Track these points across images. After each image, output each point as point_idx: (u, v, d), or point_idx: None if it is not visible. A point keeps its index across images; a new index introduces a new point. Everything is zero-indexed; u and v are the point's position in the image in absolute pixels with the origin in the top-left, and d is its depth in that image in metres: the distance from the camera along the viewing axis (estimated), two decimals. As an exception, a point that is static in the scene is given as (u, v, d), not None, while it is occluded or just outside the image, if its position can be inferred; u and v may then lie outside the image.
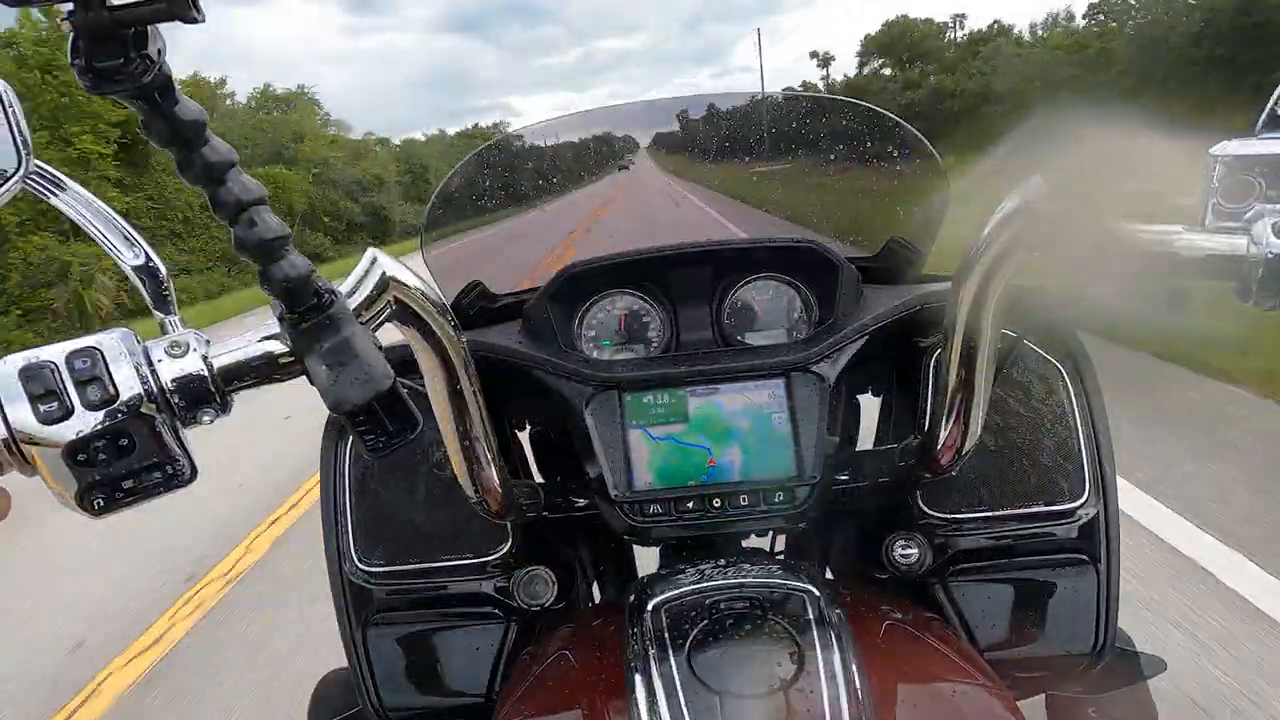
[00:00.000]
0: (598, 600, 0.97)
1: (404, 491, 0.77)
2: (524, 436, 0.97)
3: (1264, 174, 0.43)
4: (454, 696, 0.76)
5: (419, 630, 0.77)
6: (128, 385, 0.41)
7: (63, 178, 0.49)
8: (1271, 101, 0.45)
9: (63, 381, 0.40)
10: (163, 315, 0.49)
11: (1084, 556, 0.74)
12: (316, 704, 0.89)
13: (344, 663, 0.80)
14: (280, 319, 0.43)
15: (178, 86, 0.37)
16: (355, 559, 0.76)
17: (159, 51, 0.35)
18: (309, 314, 0.43)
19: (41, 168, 0.48)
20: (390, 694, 0.76)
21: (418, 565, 0.76)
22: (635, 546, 0.99)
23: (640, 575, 0.73)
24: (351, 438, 0.78)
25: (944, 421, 0.62)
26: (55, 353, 0.40)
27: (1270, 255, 0.41)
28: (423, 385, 0.57)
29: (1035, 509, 0.74)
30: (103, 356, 0.40)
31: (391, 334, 0.58)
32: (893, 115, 0.89)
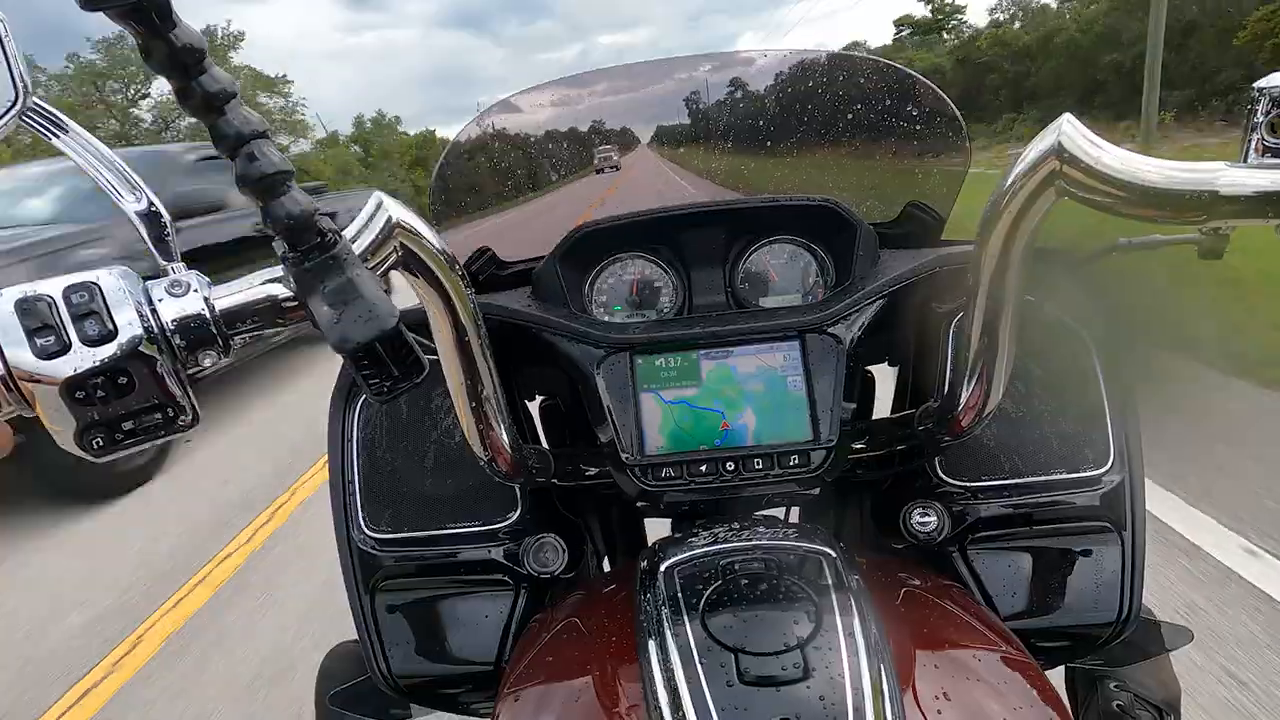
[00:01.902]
0: (608, 571, 0.96)
1: (413, 458, 0.76)
2: (534, 409, 0.96)
3: None
4: (462, 664, 0.75)
5: (427, 597, 0.77)
6: (126, 322, 0.39)
7: (64, 118, 0.48)
8: None
9: (60, 316, 0.39)
10: (165, 261, 0.48)
11: (1108, 525, 0.72)
12: (324, 675, 0.88)
13: (353, 634, 0.79)
14: (283, 258, 0.42)
15: (176, 10, 0.36)
16: (363, 526, 0.76)
17: None
18: (312, 253, 0.41)
19: (42, 107, 0.47)
20: (399, 661, 0.75)
21: (426, 532, 0.75)
22: (646, 519, 0.98)
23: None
24: (360, 403, 0.77)
25: (965, 383, 0.61)
26: (52, 286, 0.39)
27: None
28: (432, 345, 0.56)
29: (1057, 476, 0.72)
30: (101, 292, 0.39)
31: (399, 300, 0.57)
32: (910, 70, 0.87)
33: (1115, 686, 0.82)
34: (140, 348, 0.40)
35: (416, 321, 0.56)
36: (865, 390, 0.94)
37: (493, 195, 0.98)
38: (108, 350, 0.39)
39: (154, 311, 0.41)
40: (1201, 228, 0.44)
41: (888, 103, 0.90)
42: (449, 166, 0.93)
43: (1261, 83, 0.42)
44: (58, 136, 0.47)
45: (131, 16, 0.34)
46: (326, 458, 0.78)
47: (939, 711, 0.48)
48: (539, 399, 0.96)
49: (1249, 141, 0.43)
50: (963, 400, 0.62)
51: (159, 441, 0.42)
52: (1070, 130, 0.45)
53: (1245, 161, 0.43)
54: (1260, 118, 0.42)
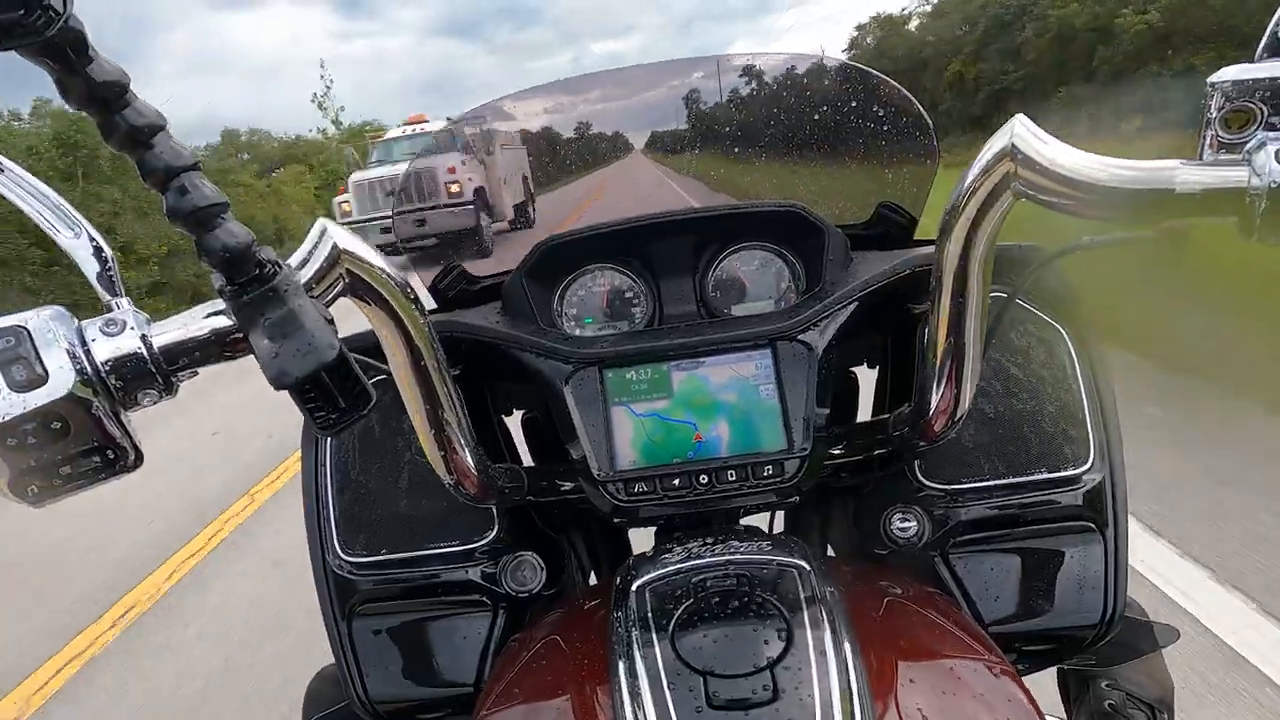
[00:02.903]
0: (589, 586, 0.95)
1: (387, 480, 0.75)
2: (514, 424, 0.95)
3: (1265, 100, 0.40)
4: (442, 686, 0.74)
5: (405, 621, 0.76)
6: (58, 366, 0.38)
7: (1, 158, 0.47)
8: (1272, 24, 0.42)
9: None
10: (109, 296, 0.47)
11: (1090, 524, 0.71)
12: (310, 699, 0.87)
13: (332, 660, 0.78)
14: (220, 292, 0.41)
15: (92, 44, 0.35)
16: (338, 550, 0.75)
17: (65, 3, 0.33)
18: (250, 285, 0.41)
19: None
20: (377, 686, 0.74)
21: (402, 554, 0.74)
22: (631, 530, 0.97)
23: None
24: None
25: (934, 387, 0.60)
26: None
27: (1274, 185, 0.38)
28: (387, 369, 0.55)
29: (1038, 476, 0.71)
30: (29, 335, 0.38)
31: (360, 322, 0.56)
32: (876, 71, 0.86)
33: (1107, 686, 0.81)
34: (74, 391, 0.39)
35: (370, 345, 0.56)
36: (848, 393, 0.93)
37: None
38: (39, 396, 0.38)
39: (87, 353, 0.40)
40: (1159, 226, 0.43)
41: (854, 104, 0.89)
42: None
43: (1214, 78, 0.41)
44: None
45: (44, 53, 0.33)
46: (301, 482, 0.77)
47: None
48: (519, 413, 0.95)
49: (1204, 138, 0.42)
50: (933, 405, 0.61)
51: (101, 484, 0.41)
52: (1023, 131, 0.45)
53: (1200, 159, 0.42)
54: (1214, 113, 0.41)
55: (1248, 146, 0.40)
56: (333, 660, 0.82)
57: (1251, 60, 0.42)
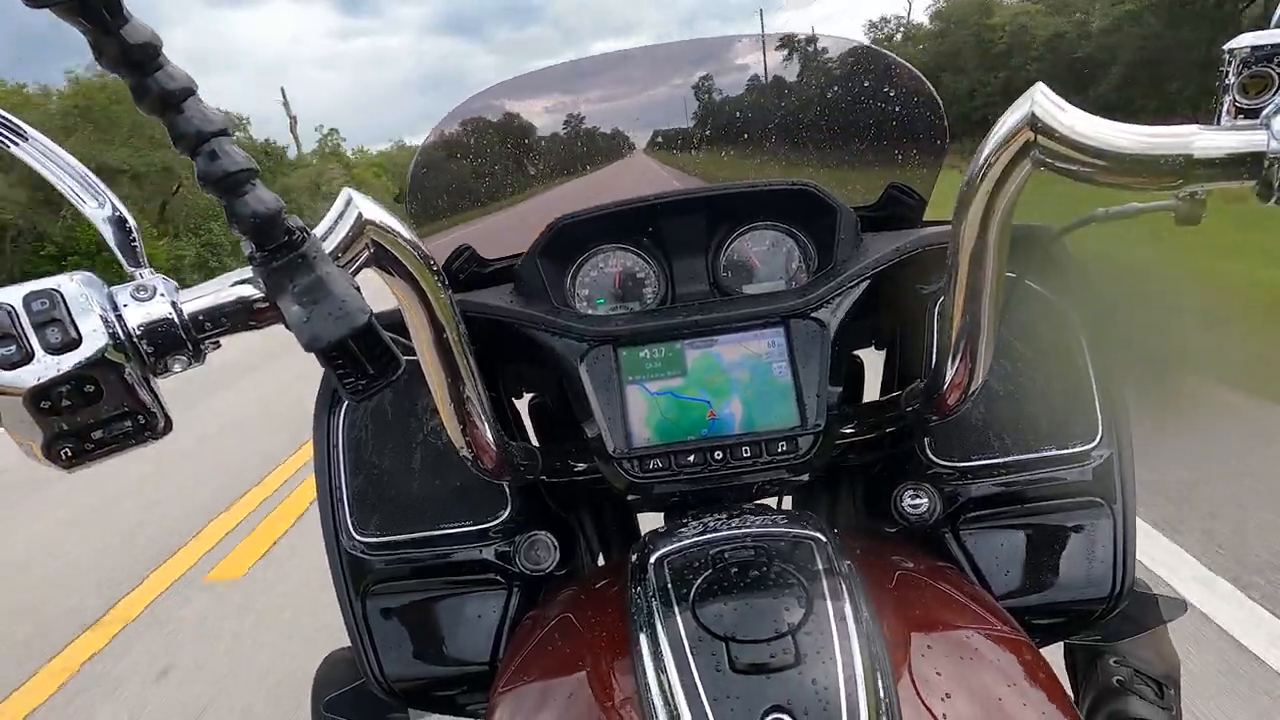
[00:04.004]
0: (601, 565, 0.96)
1: (400, 460, 0.75)
2: (522, 407, 0.95)
3: None
4: (457, 665, 0.74)
5: (419, 600, 0.76)
6: (91, 329, 0.39)
7: (24, 126, 0.47)
8: None
9: (21, 324, 0.38)
10: (132, 267, 0.47)
11: (1098, 499, 0.72)
12: (320, 682, 0.87)
13: (346, 641, 0.78)
14: (250, 259, 0.42)
15: (127, 6, 0.35)
16: (352, 530, 0.75)
17: None
18: (280, 252, 0.41)
19: (1, 115, 0.46)
20: (392, 665, 0.75)
21: (416, 534, 0.75)
22: (639, 512, 0.97)
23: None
24: (345, 406, 0.77)
25: (950, 361, 0.60)
26: (11, 294, 0.38)
27: None
28: (410, 344, 0.56)
29: (1046, 453, 0.72)
30: (63, 299, 0.39)
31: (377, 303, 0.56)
32: (887, 52, 0.86)
33: (1114, 661, 0.82)
34: (106, 355, 0.39)
35: (394, 323, 0.56)
36: (854, 374, 0.93)
37: (473, 195, 0.97)
38: (73, 358, 0.38)
39: (119, 317, 0.40)
40: (1178, 193, 0.44)
41: (865, 84, 0.90)
42: (424, 167, 0.92)
43: (1231, 44, 0.42)
44: (17, 144, 0.46)
45: (80, 13, 0.34)
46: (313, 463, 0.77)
47: (933, 691, 0.48)
48: (528, 397, 0.96)
49: (1221, 104, 0.43)
50: (948, 379, 0.61)
51: (131, 450, 0.42)
52: (1043, 100, 0.45)
53: (1218, 124, 0.42)
54: (1231, 79, 0.42)
55: (1265, 111, 0.41)
56: (341, 645, 0.82)
57: (1267, 27, 0.42)
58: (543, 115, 0.99)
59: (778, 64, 0.95)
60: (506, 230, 0.93)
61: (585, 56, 0.93)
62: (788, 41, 0.95)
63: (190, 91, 0.38)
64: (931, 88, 0.84)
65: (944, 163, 0.84)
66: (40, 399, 0.38)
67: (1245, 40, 0.41)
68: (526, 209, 0.98)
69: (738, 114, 0.96)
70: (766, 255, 0.80)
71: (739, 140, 0.97)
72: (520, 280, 0.78)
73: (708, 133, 0.97)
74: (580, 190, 0.96)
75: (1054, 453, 0.72)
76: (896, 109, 0.88)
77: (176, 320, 0.41)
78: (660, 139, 1.00)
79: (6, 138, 0.46)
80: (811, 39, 0.93)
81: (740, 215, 0.79)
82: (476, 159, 0.96)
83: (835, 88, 0.92)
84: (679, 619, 0.50)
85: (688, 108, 0.98)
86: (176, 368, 0.42)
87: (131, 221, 0.48)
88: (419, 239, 0.51)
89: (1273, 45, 0.41)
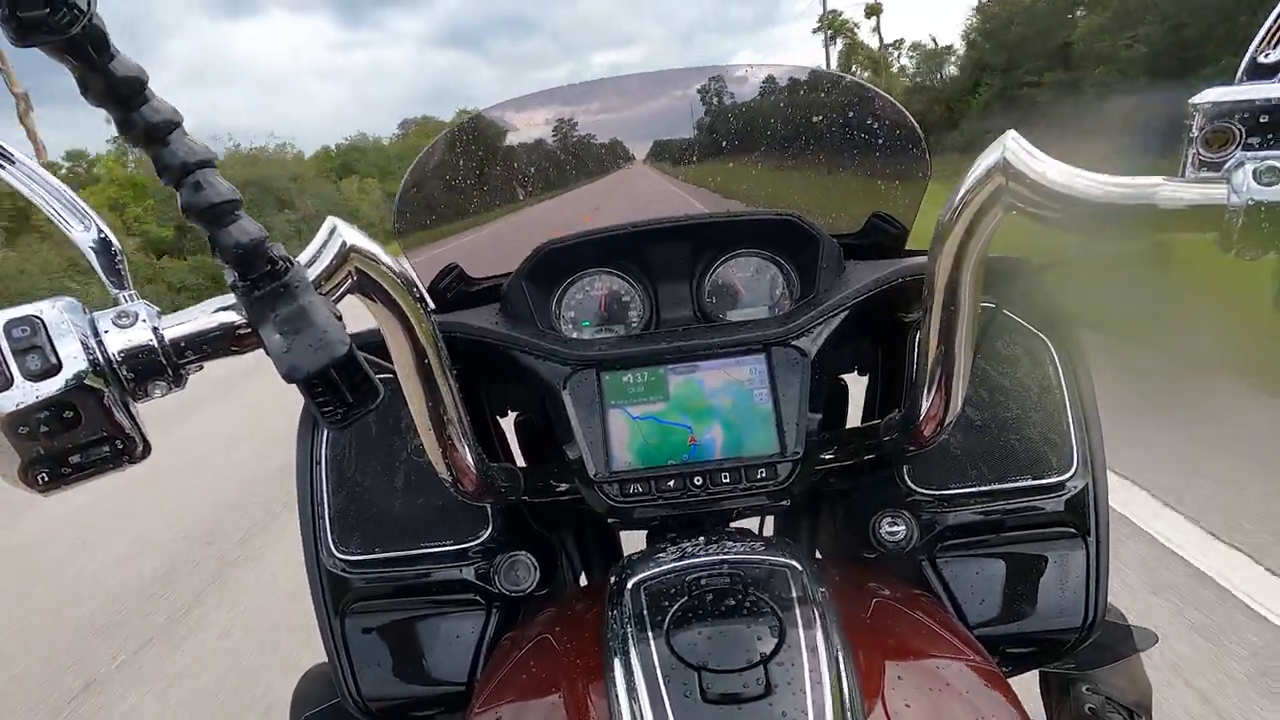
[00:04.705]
0: (581, 587, 0.96)
1: (383, 478, 0.76)
2: (508, 425, 0.95)
3: (1243, 121, 0.42)
4: (434, 685, 0.74)
5: (398, 619, 0.76)
6: (71, 355, 0.39)
7: (11, 150, 0.48)
8: (1252, 48, 0.44)
9: (0, 350, 0.38)
10: (116, 289, 0.47)
11: (1073, 530, 0.73)
12: (298, 700, 0.87)
13: (324, 657, 0.78)
14: (233, 287, 0.42)
15: (113, 42, 0.35)
16: (333, 548, 0.75)
17: (89, 2, 0.33)
18: (262, 281, 0.41)
19: None
20: (369, 684, 0.75)
21: (396, 553, 0.75)
22: (622, 532, 0.98)
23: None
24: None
25: (925, 393, 0.61)
26: None
27: (1250, 203, 0.40)
28: (391, 366, 0.56)
29: (1023, 483, 0.73)
30: (44, 325, 0.39)
31: (365, 320, 0.57)
32: (871, 85, 0.88)
33: (1087, 689, 0.83)
34: (86, 381, 0.39)
35: (375, 343, 0.56)
36: (838, 399, 0.94)
37: (460, 214, 0.98)
38: (52, 385, 0.39)
39: (100, 344, 0.40)
40: (1145, 240, 0.45)
41: (850, 115, 0.91)
42: (414, 186, 0.93)
43: (1196, 99, 0.43)
44: (4, 168, 0.47)
45: (68, 50, 0.34)
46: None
47: None
48: (513, 415, 0.96)
49: (1186, 156, 0.44)
50: (924, 410, 0.62)
51: (108, 474, 0.42)
52: (1014, 146, 0.46)
53: (1183, 176, 0.44)
54: (1195, 133, 0.43)
55: (1227, 165, 0.42)
56: (319, 661, 0.82)
57: (1232, 83, 0.44)
58: (529, 138, 1.00)
59: (766, 94, 0.96)
60: (493, 249, 0.94)
61: (577, 82, 0.94)
62: (775, 73, 0.96)
63: (175, 124, 0.38)
64: (914, 121, 0.85)
65: (925, 194, 0.85)
66: (18, 424, 0.38)
67: (1209, 96, 0.43)
68: (512, 228, 0.98)
69: (723, 144, 0.98)
70: (750, 282, 0.81)
71: (726, 167, 0.98)
72: (506, 301, 0.78)
73: (695, 158, 0.98)
74: (563, 213, 0.97)
75: (1029, 483, 0.73)
76: (880, 141, 0.89)
77: (157, 346, 0.42)
78: (648, 163, 1.01)
79: None
80: (799, 71, 0.94)
81: (725, 242, 0.81)
82: (463, 179, 0.97)
83: (820, 118, 0.93)
84: (653, 646, 0.50)
85: (678, 134, 0.99)
86: (156, 393, 0.42)
87: (116, 244, 0.49)
88: (406, 256, 0.51)
89: (1234, 102, 0.42)
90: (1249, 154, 0.42)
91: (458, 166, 0.96)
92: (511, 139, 1.01)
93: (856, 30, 35.50)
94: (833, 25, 35.45)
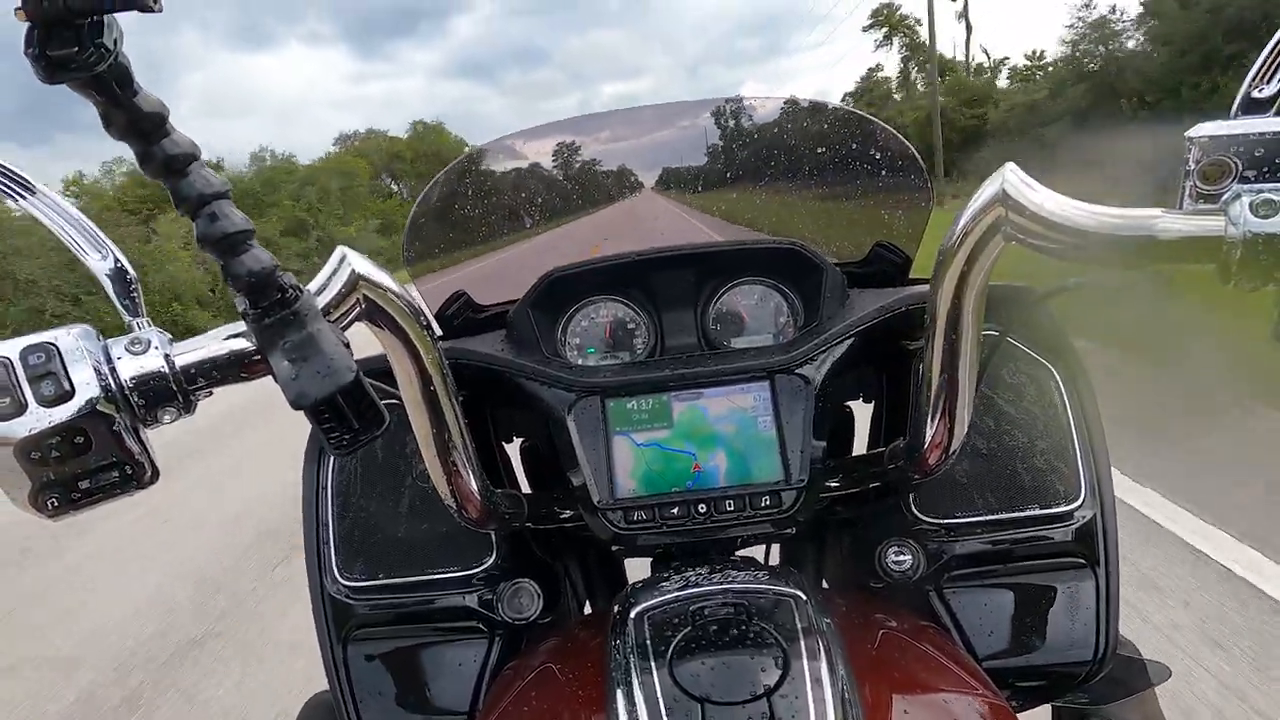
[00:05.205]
0: (585, 615, 0.95)
1: (387, 505, 0.76)
2: (514, 451, 0.95)
3: (1239, 154, 0.42)
4: (436, 714, 0.74)
5: (401, 647, 0.76)
6: (84, 381, 0.40)
7: (31, 179, 0.49)
8: (1246, 83, 0.45)
9: (16, 377, 0.39)
10: (130, 318, 0.48)
11: (1081, 560, 0.72)
12: None
13: (326, 687, 0.78)
14: (244, 315, 0.43)
15: (136, 78, 0.37)
16: (337, 574, 0.75)
17: (115, 41, 0.35)
18: (273, 309, 0.42)
19: (7, 169, 0.48)
20: (371, 713, 0.74)
21: (400, 580, 0.75)
22: (626, 559, 0.97)
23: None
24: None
25: (929, 421, 0.61)
26: (9, 348, 0.39)
27: (1248, 235, 0.40)
28: (398, 393, 0.57)
29: (1030, 512, 0.72)
30: (59, 352, 0.40)
31: (374, 345, 0.57)
32: (875, 119, 0.89)
33: None
34: (98, 407, 0.40)
35: (381, 369, 0.57)
36: (844, 426, 0.94)
37: (468, 243, 0.99)
38: (65, 411, 0.39)
39: (113, 370, 0.41)
40: (1143, 271, 0.45)
41: (853, 147, 0.93)
42: (423, 216, 0.94)
43: (1192, 132, 0.44)
44: (24, 197, 0.48)
45: (93, 86, 0.35)
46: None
47: None
48: (518, 440, 0.96)
49: (1183, 188, 0.44)
50: (928, 439, 0.62)
51: (116, 499, 0.42)
52: (1013, 178, 0.47)
53: (1180, 208, 0.44)
54: (1192, 165, 0.44)
55: (1224, 198, 0.42)
56: (325, 688, 0.82)
57: (1227, 116, 0.44)
58: (538, 168, 1.02)
59: (772, 125, 0.98)
60: (500, 276, 0.95)
61: (583, 115, 0.96)
62: (781, 105, 0.98)
63: (194, 157, 0.40)
64: (916, 153, 0.86)
65: (928, 224, 0.86)
66: (30, 450, 0.39)
67: (1205, 130, 0.43)
68: (521, 256, 1.00)
69: (729, 174, 0.99)
70: (754, 309, 0.81)
71: (732, 196, 1.00)
72: (512, 328, 0.79)
73: (700, 188, 1.00)
74: (571, 242, 0.99)
75: (1037, 512, 0.72)
76: (883, 172, 0.90)
77: (168, 373, 0.42)
78: (660, 193, 1.03)
79: (16, 191, 0.48)
80: (803, 103, 0.96)
81: (729, 271, 0.81)
82: (471, 209, 0.98)
83: (824, 149, 0.95)
84: (656, 677, 0.50)
85: (686, 164, 1.01)
86: (166, 419, 0.43)
87: (132, 273, 0.50)
88: (414, 283, 0.52)
89: (1230, 136, 0.42)
90: (1245, 186, 0.42)
91: (466, 196, 0.98)
92: (520, 169, 1.02)
93: (917, 28, 32.54)
94: (889, 22, 33.36)
